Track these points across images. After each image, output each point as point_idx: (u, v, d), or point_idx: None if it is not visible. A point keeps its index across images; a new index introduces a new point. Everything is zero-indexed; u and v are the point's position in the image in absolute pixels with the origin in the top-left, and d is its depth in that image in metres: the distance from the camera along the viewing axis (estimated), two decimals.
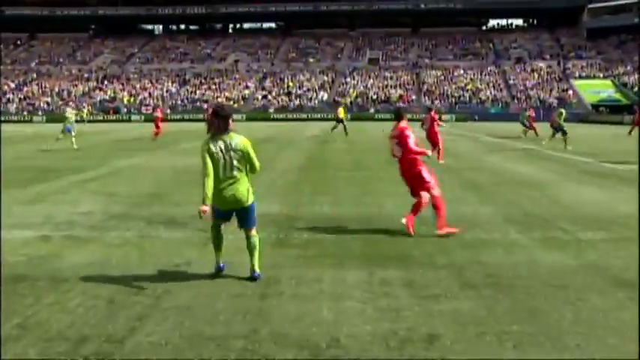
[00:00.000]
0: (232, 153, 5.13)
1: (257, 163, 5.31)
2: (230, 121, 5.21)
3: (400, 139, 7.46)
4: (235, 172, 5.15)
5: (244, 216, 5.33)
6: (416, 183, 7.42)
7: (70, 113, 22.62)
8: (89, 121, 52.14)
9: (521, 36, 77.88)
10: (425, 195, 7.29)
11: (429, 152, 7.92)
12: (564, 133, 21.34)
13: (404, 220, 7.23)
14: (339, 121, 31.70)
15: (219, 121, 5.18)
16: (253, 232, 5.40)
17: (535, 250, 6.53)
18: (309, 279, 5.44)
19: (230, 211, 5.31)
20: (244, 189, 5.22)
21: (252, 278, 5.32)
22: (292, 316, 4.48)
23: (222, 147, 5.13)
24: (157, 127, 26.80)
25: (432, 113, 17.25)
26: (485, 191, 10.63)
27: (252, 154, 5.25)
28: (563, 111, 23.15)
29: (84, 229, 7.67)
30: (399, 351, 3.86)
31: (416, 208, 7.32)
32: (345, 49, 78.00)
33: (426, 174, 7.38)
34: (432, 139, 16.51)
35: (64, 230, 7.62)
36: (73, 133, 21.70)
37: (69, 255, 6.36)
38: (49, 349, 3.90)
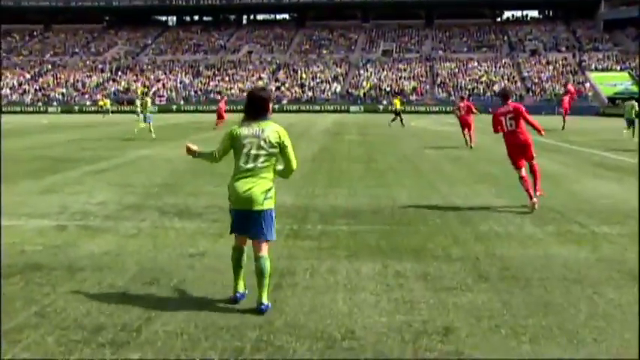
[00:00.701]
0: (261, 143, 4.34)
1: (294, 161, 4.51)
2: (268, 105, 4.46)
3: (516, 113, 8.60)
4: (258, 165, 4.34)
5: (255, 222, 4.38)
6: (525, 152, 8.62)
7: (149, 103, 24.05)
8: (113, 112, 52.63)
9: (537, 27, 77.14)
10: (536, 165, 8.72)
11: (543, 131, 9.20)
12: (632, 124, 22.28)
13: (536, 199, 8.31)
14: (397, 113, 32.32)
15: (254, 105, 4.44)
16: (264, 250, 4.43)
17: (550, 243, 6.47)
18: (324, 270, 5.44)
19: (243, 215, 4.40)
20: (262, 188, 4.35)
21: (259, 311, 4.38)
22: (307, 307, 4.49)
23: (252, 133, 4.36)
24: (221, 117, 27.34)
25: (466, 101, 20.21)
26: (500, 184, 10.56)
27: (290, 149, 4.45)
28: (635, 104, 23.21)
29: (99, 219, 7.72)
30: (414, 343, 3.84)
31: (537, 181, 8.61)
32: (359, 40, 77.76)
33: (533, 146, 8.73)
34: (465, 124, 19.00)
35: (79, 220, 7.68)
36: (151, 122, 23.01)
37: (84, 245, 6.40)
38: (66, 336, 3.93)
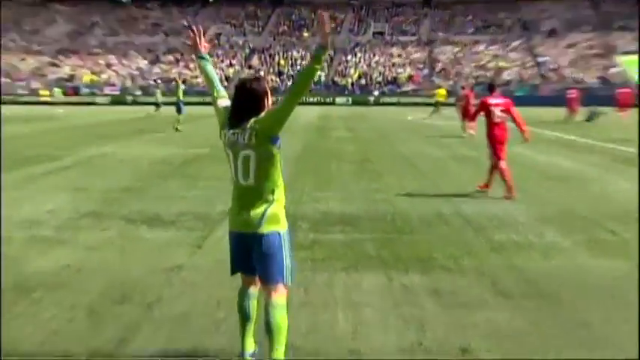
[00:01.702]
0: (246, 150, 3.72)
1: (288, 97, 3.94)
2: (262, 103, 3.86)
3: (508, 107, 10.27)
4: (254, 178, 3.74)
5: (257, 253, 3.75)
6: (500, 147, 10.16)
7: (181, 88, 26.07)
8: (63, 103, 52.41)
9: (555, 4, 77.82)
10: (503, 165, 10.06)
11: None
12: None
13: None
14: (437, 104, 33.93)
15: (242, 101, 3.79)
16: (276, 294, 3.74)
17: (578, 254, 6.65)
18: (320, 284, 5.56)
19: (242, 241, 3.80)
20: (261, 206, 3.74)
21: None
22: (304, 327, 4.59)
23: (236, 139, 3.74)
24: None
25: (468, 91, 23.74)
26: (515, 187, 10.75)
27: (273, 110, 3.88)
28: None
29: (51, 230, 7.73)
30: None
31: (507, 180, 9.99)
32: (346, 21, 78.00)
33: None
34: (467, 114, 20.49)
35: (26, 231, 7.67)
36: (183, 113, 24.83)
37: (36, 259, 6.41)
38: None
